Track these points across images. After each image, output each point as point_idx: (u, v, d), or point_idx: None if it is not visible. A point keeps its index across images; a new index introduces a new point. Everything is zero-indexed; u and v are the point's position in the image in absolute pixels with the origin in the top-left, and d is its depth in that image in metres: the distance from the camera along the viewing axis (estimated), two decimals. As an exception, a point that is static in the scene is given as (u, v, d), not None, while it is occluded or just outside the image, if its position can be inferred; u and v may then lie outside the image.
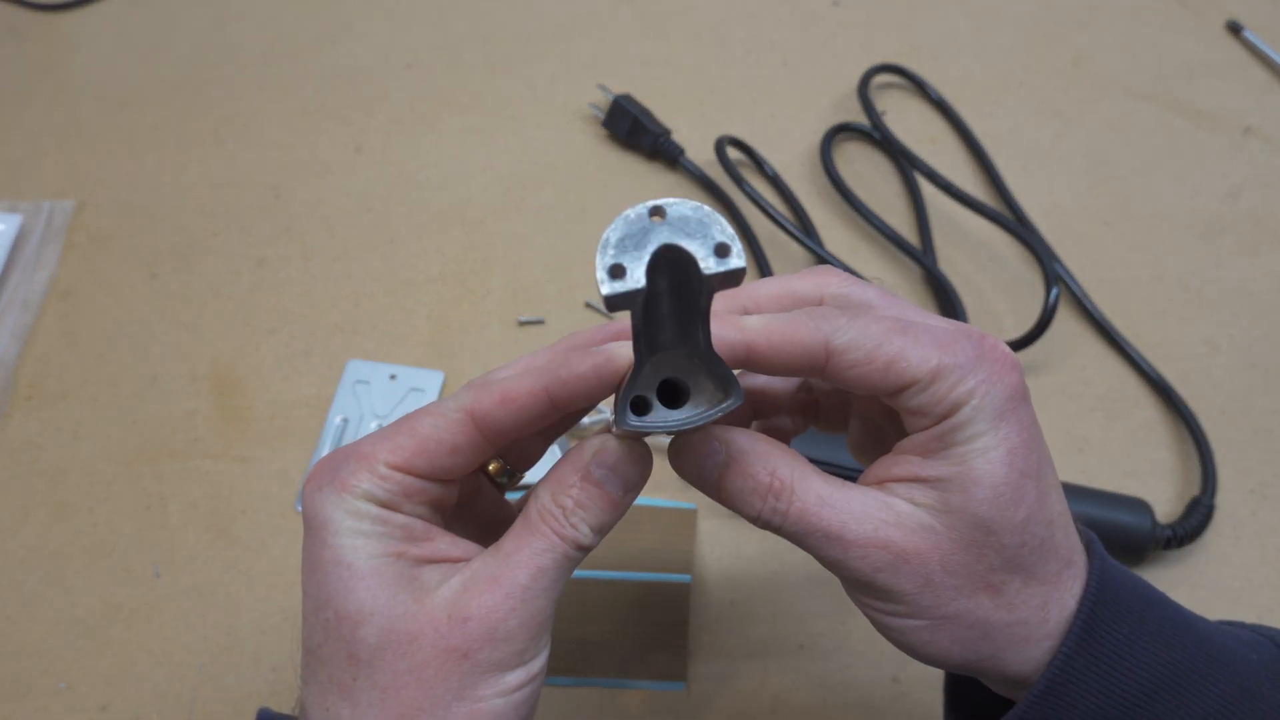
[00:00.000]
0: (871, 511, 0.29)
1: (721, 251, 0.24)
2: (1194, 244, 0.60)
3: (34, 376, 0.54)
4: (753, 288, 0.32)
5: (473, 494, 0.33)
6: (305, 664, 0.29)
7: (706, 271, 0.23)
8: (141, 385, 0.54)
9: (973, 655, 0.29)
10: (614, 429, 0.30)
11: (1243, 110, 0.66)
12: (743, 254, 0.24)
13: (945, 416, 0.28)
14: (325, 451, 0.51)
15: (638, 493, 0.30)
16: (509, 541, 0.29)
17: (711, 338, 0.27)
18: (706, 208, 0.24)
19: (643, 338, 0.26)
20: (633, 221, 0.24)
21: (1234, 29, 0.70)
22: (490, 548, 0.29)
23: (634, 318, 0.26)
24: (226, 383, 0.54)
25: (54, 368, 0.55)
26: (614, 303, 0.24)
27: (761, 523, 0.30)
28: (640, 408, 0.28)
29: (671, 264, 0.24)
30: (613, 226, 0.24)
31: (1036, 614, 0.29)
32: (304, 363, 0.55)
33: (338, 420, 0.53)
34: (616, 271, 0.23)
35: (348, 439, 0.52)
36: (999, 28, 0.71)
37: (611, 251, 0.23)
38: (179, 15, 0.71)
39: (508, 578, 0.28)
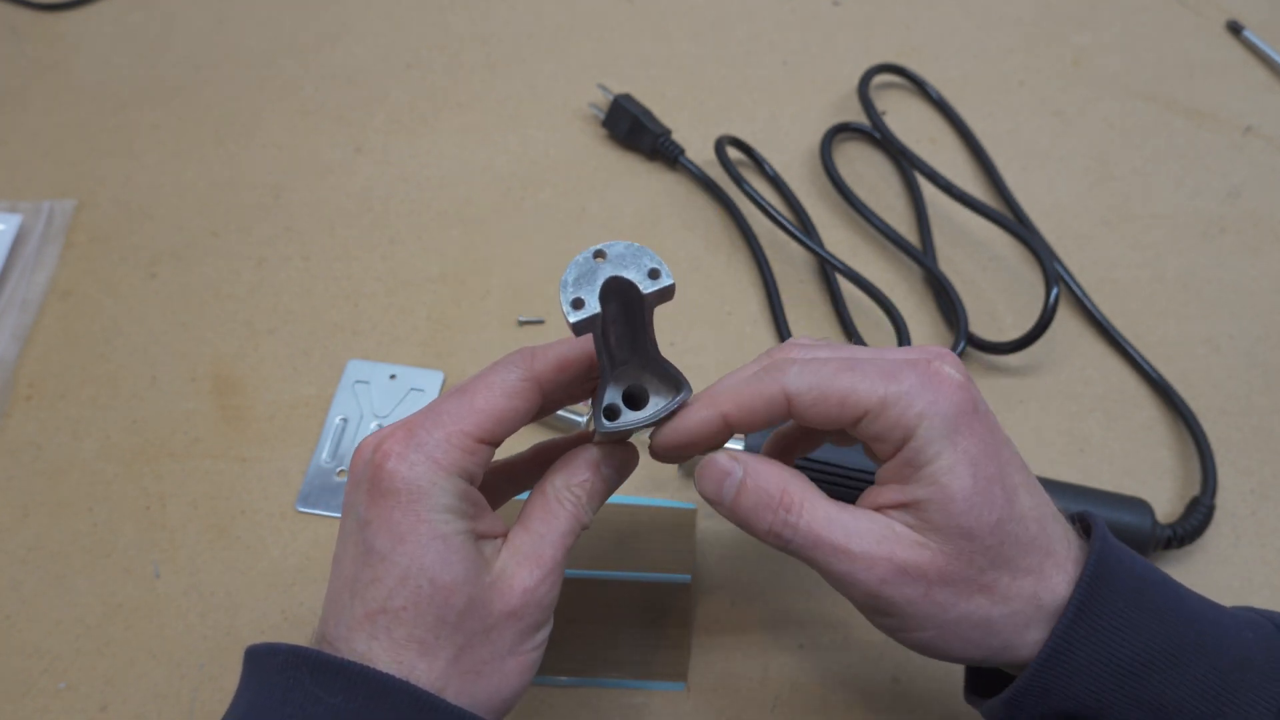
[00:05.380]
0: (874, 529, 0.32)
1: (653, 275, 0.30)
2: (1194, 244, 0.60)
3: (34, 376, 0.54)
4: (721, 381, 0.36)
5: None
6: (374, 622, 0.31)
7: (645, 291, 0.30)
8: (141, 385, 0.54)
9: (985, 650, 0.33)
10: (595, 436, 0.35)
11: (1243, 110, 0.66)
12: (670, 274, 0.31)
13: (903, 441, 0.32)
14: (325, 452, 0.52)
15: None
16: (537, 522, 0.34)
17: (659, 350, 0.33)
18: (636, 244, 0.30)
19: (604, 355, 0.32)
20: (582, 264, 0.30)
21: (1234, 29, 0.70)
22: (519, 525, 0.34)
23: (596, 340, 0.32)
24: (226, 383, 0.54)
25: (54, 368, 0.55)
26: (579, 328, 0.30)
27: (773, 536, 0.33)
28: (611, 414, 0.34)
29: (617, 290, 0.30)
30: (568, 270, 0.30)
31: (1029, 603, 0.32)
32: (304, 363, 0.55)
33: (338, 420, 0.53)
34: (577, 304, 0.30)
35: (347, 439, 0.52)
36: (999, 28, 0.71)
37: (570, 289, 0.30)
38: (179, 15, 0.71)
39: (548, 556, 0.33)
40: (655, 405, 0.34)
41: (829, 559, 0.32)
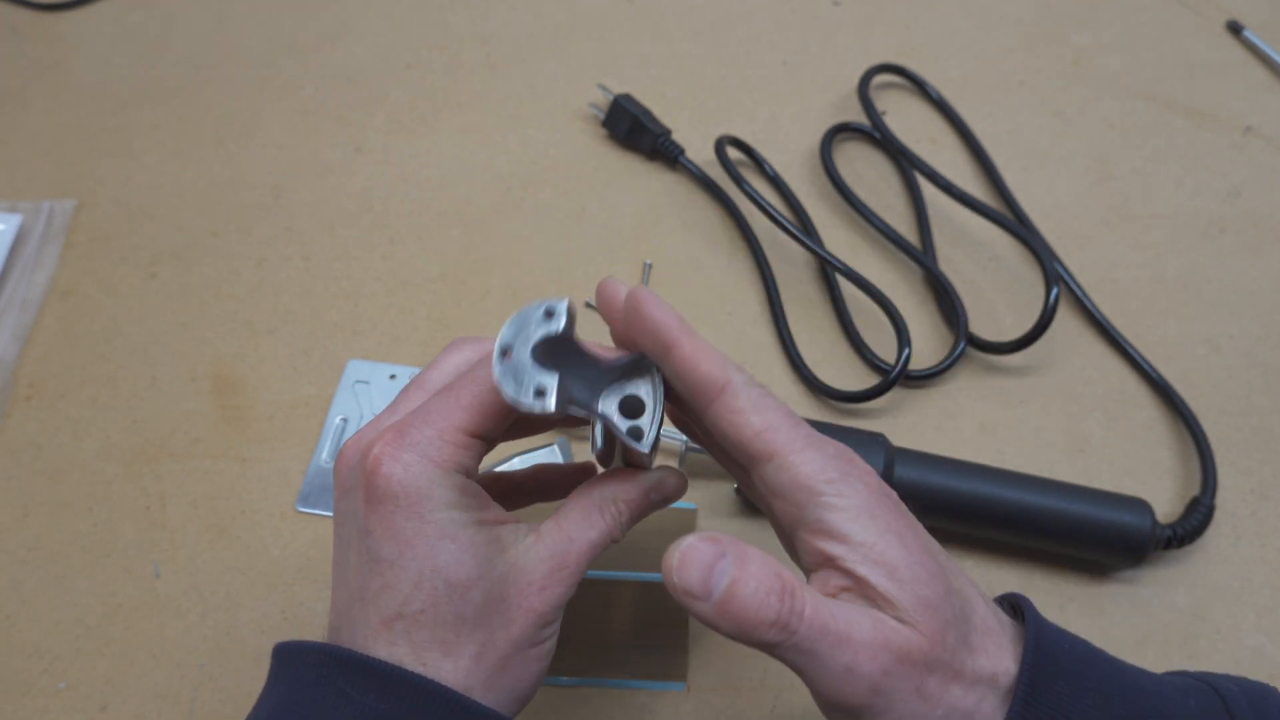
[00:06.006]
0: (861, 614, 0.29)
1: (550, 314, 0.30)
2: (1194, 244, 0.60)
3: (34, 376, 0.54)
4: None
5: None
6: (392, 628, 0.31)
7: (562, 331, 0.30)
8: (141, 385, 0.54)
9: None
10: (648, 461, 0.35)
11: (1243, 110, 0.66)
12: (562, 299, 0.30)
13: (805, 504, 0.30)
14: (325, 452, 0.51)
15: None
16: (572, 524, 0.34)
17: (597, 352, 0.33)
18: (515, 312, 0.30)
19: (580, 407, 0.32)
20: (505, 369, 0.29)
21: (1234, 29, 0.70)
22: (554, 521, 0.34)
23: (576, 407, 0.31)
24: (226, 383, 0.54)
25: (54, 368, 0.55)
26: (561, 407, 0.29)
27: (776, 629, 0.28)
28: (636, 434, 0.33)
29: (548, 353, 0.30)
30: (504, 386, 0.29)
31: (989, 685, 0.30)
32: (304, 363, 0.55)
33: (338, 420, 0.53)
34: (540, 392, 0.29)
35: (347, 439, 0.52)
36: (999, 28, 0.71)
37: (526, 392, 0.29)
38: (179, 15, 0.71)
39: (573, 561, 0.33)
40: (647, 395, 0.33)
41: (832, 651, 0.28)
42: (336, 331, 0.56)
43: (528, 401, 0.29)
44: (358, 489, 0.32)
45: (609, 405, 0.33)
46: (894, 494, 0.32)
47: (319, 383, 0.54)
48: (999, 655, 0.30)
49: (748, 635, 0.28)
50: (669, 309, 0.32)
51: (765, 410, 0.31)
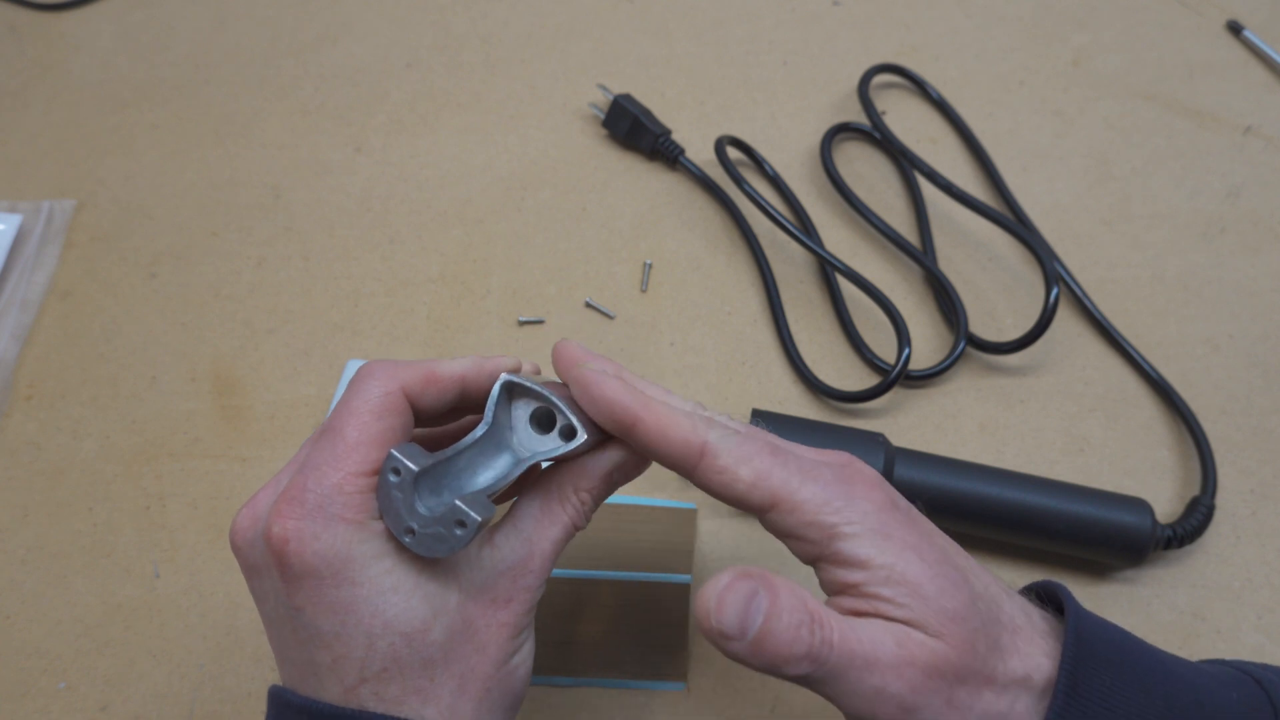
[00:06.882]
0: (886, 633, 0.29)
1: (397, 472, 0.29)
2: (1194, 244, 0.60)
3: (34, 376, 0.54)
4: (656, 387, 0.34)
5: None
6: (358, 693, 0.30)
7: (417, 471, 0.29)
8: (141, 385, 0.54)
9: None
10: (594, 442, 0.33)
11: (1243, 110, 0.66)
12: (387, 455, 0.30)
13: (824, 542, 0.29)
14: (325, 451, 0.51)
15: None
16: (529, 524, 0.32)
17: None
18: (379, 503, 0.30)
19: (511, 473, 0.31)
20: (425, 542, 0.29)
21: (1234, 29, 0.70)
22: (510, 524, 0.32)
23: (506, 478, 0.31)
24: (226, 382, 0.54)
25: (54, 368, 0.55)
26: (487, 509, 0.29)
27: (808, 661, 0.28)
28: (569, 433, 0.32)
29: (431, 494, 0.30)
30: (439, 552, 0.29)
31: (1023, 687, 0.30)
32: (304, 362, 0.55)
33: (338, 420, 0.53)
34: (461, 523, 0.28)
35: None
36: (999, 28, 0.71)
37: (452, 536, 0.29)
38: (179, 15, 0.71)
39: (537, 565, 0.32)
40: (541, 400, 0.32)
41: (860, 674, 0.28)
42: (336, 331, 0.56)
43: (464, 537, 0.29)
44: (270, 568, 0.30)
45: (531, 442, 0.32)
46: (902, 501, 0.31)
47: (319, 383, 0.54)
48: (1030, 653, 0.30)
49: (779, 669, 0.28)
50: (618, 385, 0.31)
51: (751, 459, 0.30)
